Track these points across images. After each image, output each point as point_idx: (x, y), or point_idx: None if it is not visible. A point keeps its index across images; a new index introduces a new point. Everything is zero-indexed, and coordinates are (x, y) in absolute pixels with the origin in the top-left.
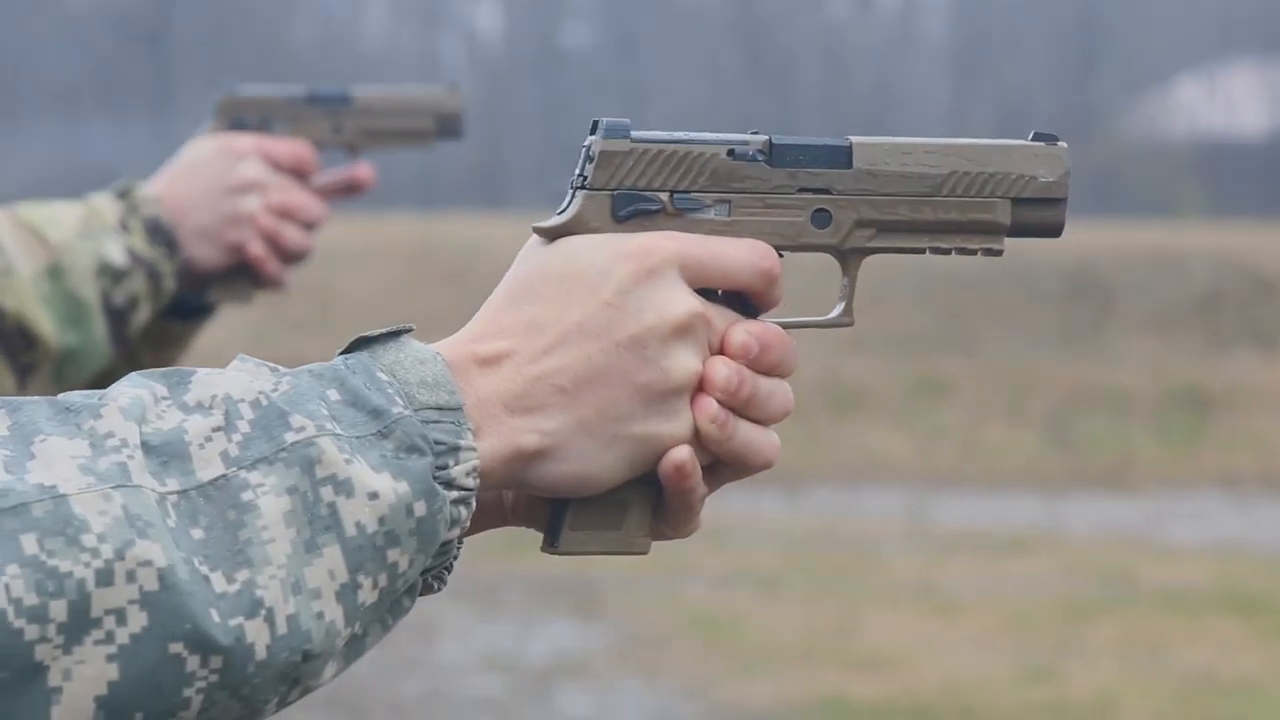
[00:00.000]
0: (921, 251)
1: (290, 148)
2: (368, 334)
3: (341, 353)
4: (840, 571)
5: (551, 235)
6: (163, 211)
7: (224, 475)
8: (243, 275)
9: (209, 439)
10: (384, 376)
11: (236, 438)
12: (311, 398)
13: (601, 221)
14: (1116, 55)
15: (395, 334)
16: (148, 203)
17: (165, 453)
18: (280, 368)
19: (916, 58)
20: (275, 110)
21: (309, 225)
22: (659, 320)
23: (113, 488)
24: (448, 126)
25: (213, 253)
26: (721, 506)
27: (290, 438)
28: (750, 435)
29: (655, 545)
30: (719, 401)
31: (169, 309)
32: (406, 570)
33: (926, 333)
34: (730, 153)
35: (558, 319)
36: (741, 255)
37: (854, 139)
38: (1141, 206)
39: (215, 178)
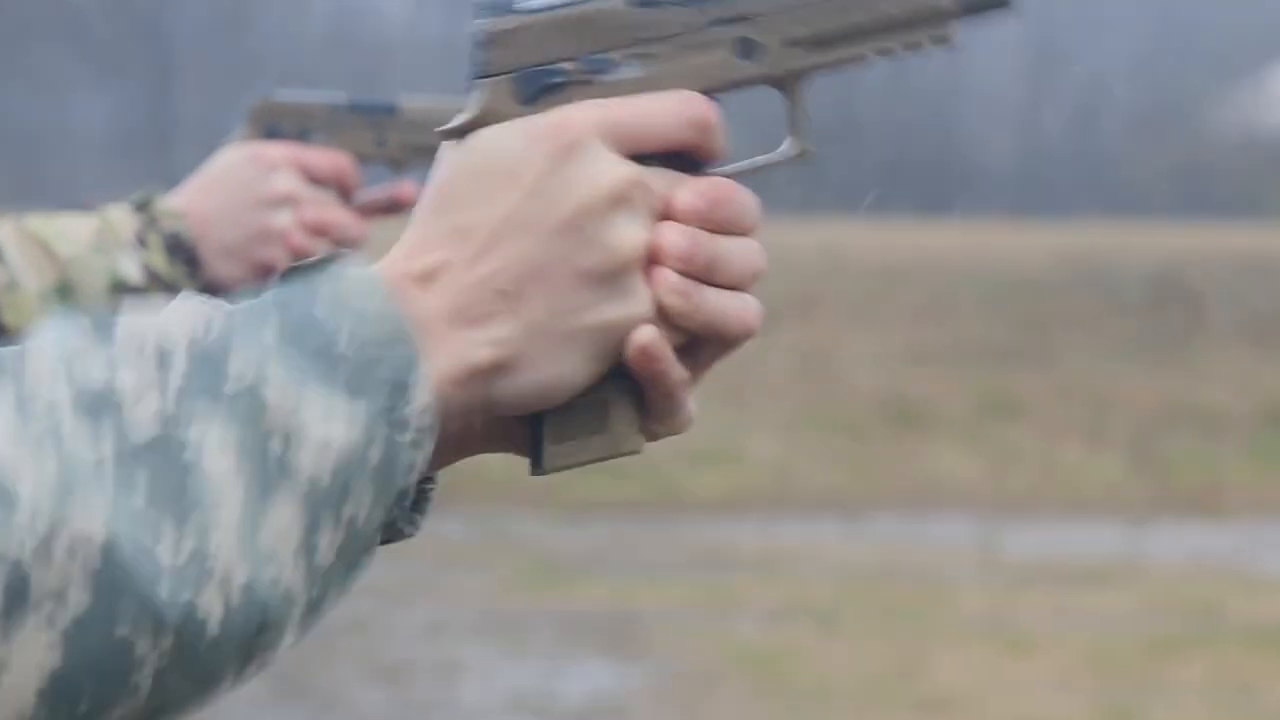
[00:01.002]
0: (864, 59)
1: (328, 160)
2: (300, 264)
3: (275, 286)
4: (903, 605)
5: (460, 134)
6: (184, 226)
7: (161, 434)
8: None
9: (142, 394)
10: (322, 311)
11: (171, 391)
12: (249, 341)
13: (508, 108)
14: (1204, 42)
15: (328, 261)
16: (168, 216)
17: (96, 411)
18: (219, 304)
19: (984, 42)
20: (314, 118)
21: (346, 245)
22: (590, 195)
23: (44, 455)
24: None
25: (239, 272)
26: (773, 534)
27: (230, 387)
28: (720, 303)
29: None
30: (676, 270)
31: None
32: (363, 525)
33: (996, 344)
34: (630, 1)
35: (485, 219)
36: (667, 108)
37: None
38: (1232, 206)
39: (244, 190)
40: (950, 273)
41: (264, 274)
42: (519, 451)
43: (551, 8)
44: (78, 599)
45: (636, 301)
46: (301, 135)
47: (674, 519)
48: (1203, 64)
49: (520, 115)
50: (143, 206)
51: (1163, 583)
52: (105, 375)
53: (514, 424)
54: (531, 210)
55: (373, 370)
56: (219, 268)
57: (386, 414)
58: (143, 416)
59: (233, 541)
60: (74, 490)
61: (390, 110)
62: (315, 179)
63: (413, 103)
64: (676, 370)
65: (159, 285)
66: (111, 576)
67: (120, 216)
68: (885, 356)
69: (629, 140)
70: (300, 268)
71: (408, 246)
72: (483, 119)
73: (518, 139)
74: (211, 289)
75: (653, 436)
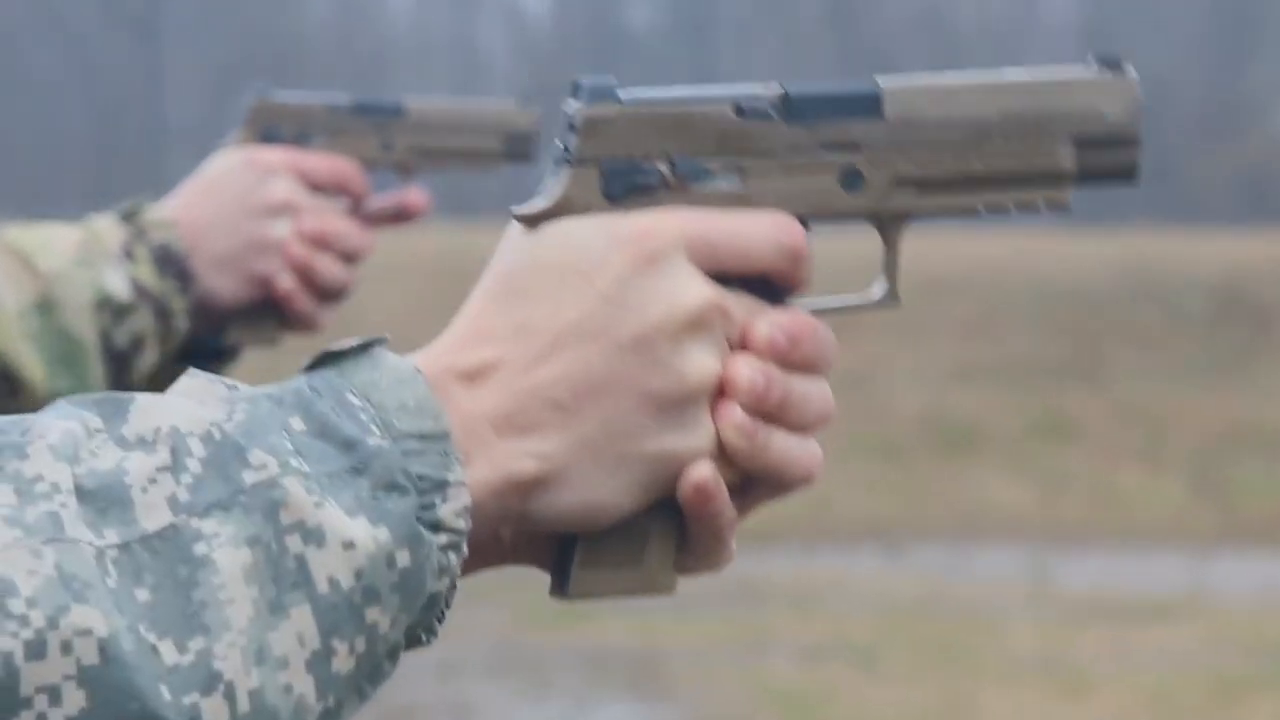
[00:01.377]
0: (975, 212)
1: (330, 165)
2: (334, 348)
3: (305, 371)
4: (948, 642)
5: (535, 221)
6: (175, 237)
7: (172, 524)
8: (269, 313)
9: (153, 481)
10: (356, 400)
11: (186, 479)
12: (272, 428)
13: (592, 200)
14: (1272, 39)
15: (366, 347)
16: (157, 227)
17: (103, 498)
18: (237, 386)
19: (1039, 41)
20: (315, 121)
21: (349, 257)
22: (667, 314)
23: (43, 542)
24: (517, 148)
25: (234, 285)
26: (808, 565)
27: (249, 478)
28: (785, 446)
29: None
30: (744, 408)
31: (182, 352)
32: (388, 631)
33: (1048, 361)
34: (738, 110)
35: (549, 320)
36: (760, 230)
37: (884, 82)
38: None
39: (239, 197)
40: (999, 285)
41: (260, 288)
42: (544, 568)
43: (655, 101)
44: (73, 699)
45: (698, 434)
46: (301, 139)
47: None
48: (1268, 61)
49: (602, 209)
50: (130, 217)
51: (1229, 618)
52: (114, 459)
53: (544, 540)
54: (602, 319)
55: (407, 466)
56: (212, 281)
57: (419, 513)
58: (153, 505)
59: (244, 644)
60: (73, 581)
61: (397, 111)
62: (315, 186)
63: (421, 104)
64: (728, 510)
65: (148, 301)
66: (110, 675)
67: (106, 228)
68: (929, 375)
69: (715, 259)
70: (335, 352)
71: (458, 336)
72: (562, 207)
73: (598, 238)
74: (204, 304)
75: (688, 573)
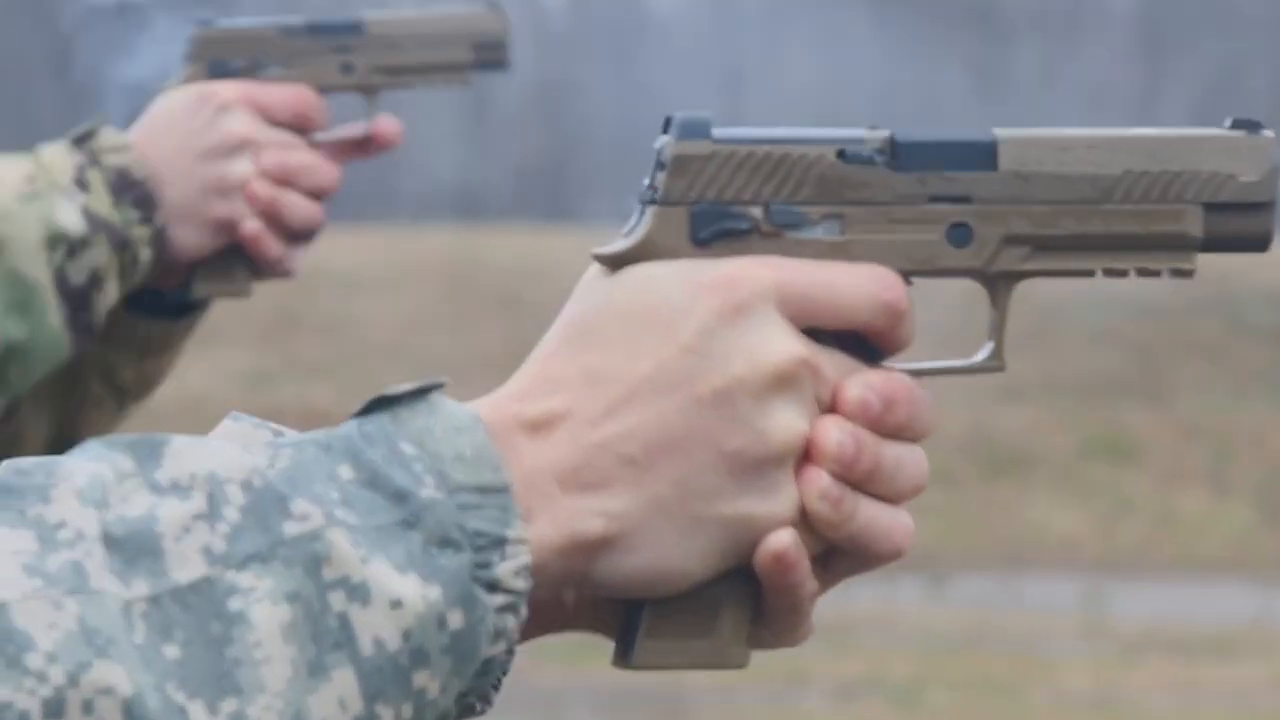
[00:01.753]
0: (1090, 274)
1: (287, 95)
2: (389, 392)
3: (356, 416)
4: (996, 680)
5: (616, 263)
6: (133, 160)
7: (206, 577)
8: (237, 260)
9: (187, 530)
10: (410, 449)
11: (222, 528)
12: (318, 477)
13: (678, 244)
14: None
15: (423, 392)
16: (113, 150)
17: (131, 547)
18: (283, 431)
19: (1096, 26)
20: (267, 47)
21: (317, 193)
22: (752, 369)
23: (65, 593)
24: (490, 55)
25: (196, 234)
26: (844, 598)
27: (291, 529)
28: (873, 515)
29: (758, 653)
30: (831, 474)
31: (149, 307)
32: (437, 697)
33: (1104, 377)
34: (841, 154)
35: (624, 370)
36: (858, 284)
37: (999, 132)
38: None
39: (192, 138)
40: (1051, 293)
41: (224, 234)
42: (608, 635)
43: (751, 141)
44: None
45: (780, 499)
46: (253, 68)
47: None
48: None
49: (688, 254)
50: (82, 141)
51: None
52: (146, 505)
53: (608, 605)
54: (681, 370)
55: (462, 520)
56: (171, 231)
57: (474, 573)
58: (186, 555)
59: (280, 707)
60: (97, 636)
61: (356, 29)
62: (274, 118)
63: (381, 18)
64: (809, 582)
65: (105, 232)
66: None
67: (56, 157)
68: (975, 391)
69: (808, 313)
70: (390, 397)
71: (525, 383)
72: (644, 250)
73: (681, 284)
74: (164, 256)
75: (762, 646)
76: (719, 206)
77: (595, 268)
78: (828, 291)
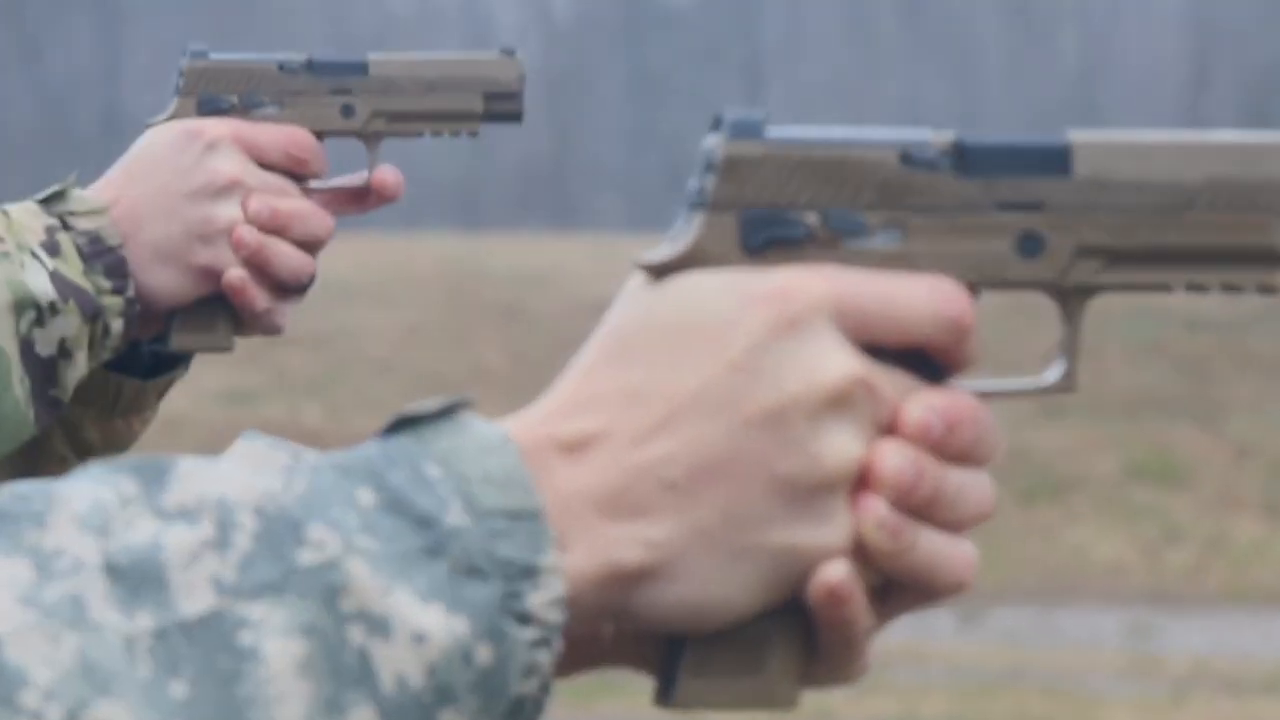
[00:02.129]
0: (1167, 289)
1: (281, 136)
2: (413, 410)
3: (378, 437)
4: (1036, 718)
5: (660, 272)
6: (106, 225)
7: (215, 609)
8: (219, 311)
9: (195, 558)
10: (435, 471)
11: (233, 557)
12: (336, 501)
13: (727, 252)
14: None
15: (449, 410)
16: (86, 214)
17: (135, 577)
18: (300, 452)
19: (1140, 19)
20: (263, 84)
21: (309, 244)
22: (805, 388)
23: (63, 626)
24: (502, 106)
25: (176, 280)
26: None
27: (306, 558)
28: (934, 546)
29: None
30: (889, 501)
31: (120, 362)
32: None
33: (1150, 394)
34: (904, 157)
35: (667, 387)
36: (921, 298)
37: (1074, 136)
38: None
39: (178, 177)
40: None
41: (206, 282)
42: (647, 670)
43: (808, 143)
44: None
45: (833, 528)
46: (248, 105)
47: None
48: None
49: (739, 263)
50: (53, 203)
51: None
52: (151, 533)
53: (649, 640)
54: (729, 389)
55: (492, 547)
56: (150, 275)
57: (504, 604)
58: (193, 586)
59: None
60: (97, 672)
61: (359, 70)
62: (266, 160)
63: (386, 60)
64: (865, 617)
65: (77, 301)
66: None
67: (25, 217)
68: (1012, 409)
69: (866, 328)
70: (413, 416)
71: (560, 401)
72: (692, 258)
73: (730, 295)
74: (143, 302)
75: (814, 685)
76: (772, 212)
77: (638, 277)
78: (887, 305)
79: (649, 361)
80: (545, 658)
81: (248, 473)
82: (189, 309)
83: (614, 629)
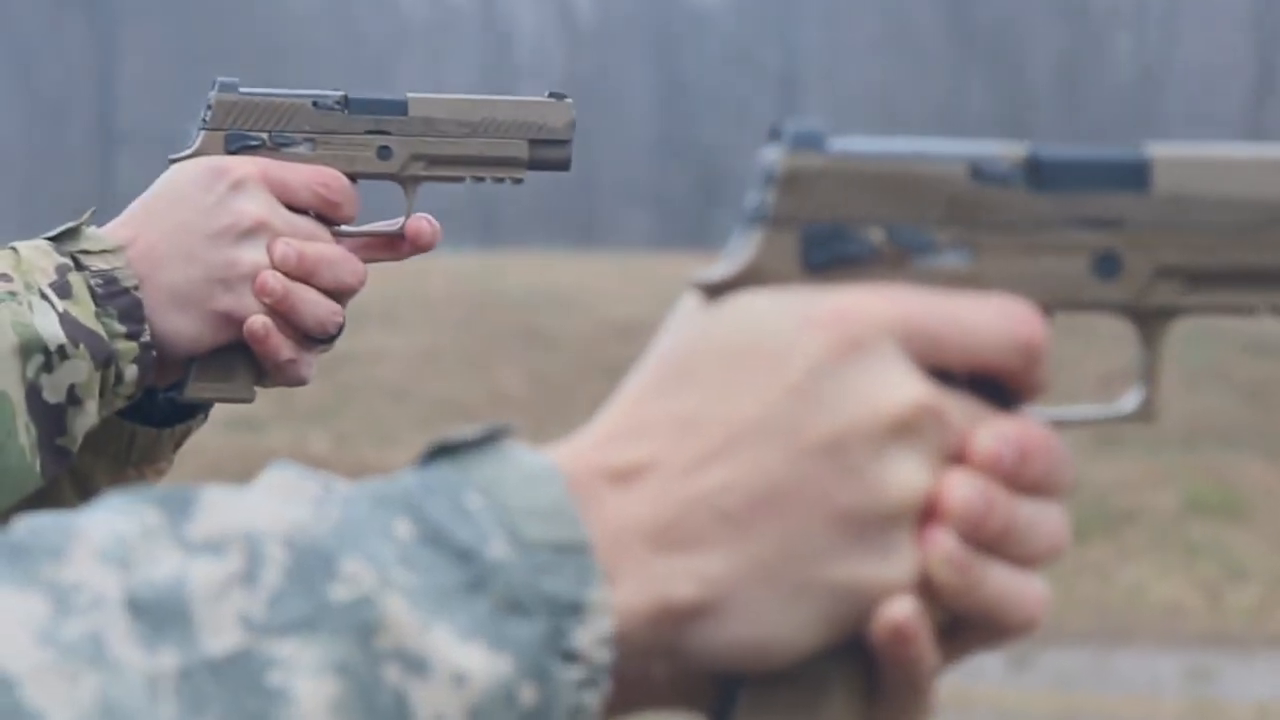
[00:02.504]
0: (1251, 311)
1: (313, 177)
2: (452, 438)
3: (416, 466)
4: None
5: (717, 291)
6: (122, 266)
7: (244, 647)
8: (239, 359)
9: (222, 593)
10: (476, 501)
11: (262, 592)
12: (371, 533)
13: (788, 270)
14: None
15: (491, 438)
16: (100, 254)
17: (159, 613)
18: (332, 482)
19: (1200, 20)
20: (295, 121)
21: (337, 292)
22: (869, 414)
23: (83, 665)
24: (549, 154)
25: (195, 325)
26: None
27: (339, 593)
28: (1004, 582)
29: None
30: (958, 534)
31: (134, 410)
32: None
33: (1211, 423)
34: (975, 172)
35: (722, 414)
36: (991, 320)
37: (1154, 149)
38: None
39: (200, 215)
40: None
41: (228, 328)
42: (701, 711)
43: (873, 156)
44: None
45: (898, 563)
46: (278, 143)
47: None
48: None
49: (800, 283)
50: (65, 241)
51: None
52: (175, 567)
53: (703, 681)
54: (788, 415)
55: (537, 582)
56: (167, 319)
57: (549, 642)
58: (221, 624)
59: None
60: (118, 713)
61: (398, 109)
62: (295, 202)
63: (427, 99)
64: (931, 657)
65: (89, 346)
66: None
67: (34, 255)
68: (1066, 436)
69: (933, 351)
70: (451, 445)
71: (610, 427)
72: (750, 276)
73: (790, 316)
74: (160, 348)
75: None
76: (835, 228)
77: (693, 297)
78: (956, 328)
79: (703, 387)
80: (593, 699)
81: (277, 503)
82: (208, 356)
83: (666, 668)
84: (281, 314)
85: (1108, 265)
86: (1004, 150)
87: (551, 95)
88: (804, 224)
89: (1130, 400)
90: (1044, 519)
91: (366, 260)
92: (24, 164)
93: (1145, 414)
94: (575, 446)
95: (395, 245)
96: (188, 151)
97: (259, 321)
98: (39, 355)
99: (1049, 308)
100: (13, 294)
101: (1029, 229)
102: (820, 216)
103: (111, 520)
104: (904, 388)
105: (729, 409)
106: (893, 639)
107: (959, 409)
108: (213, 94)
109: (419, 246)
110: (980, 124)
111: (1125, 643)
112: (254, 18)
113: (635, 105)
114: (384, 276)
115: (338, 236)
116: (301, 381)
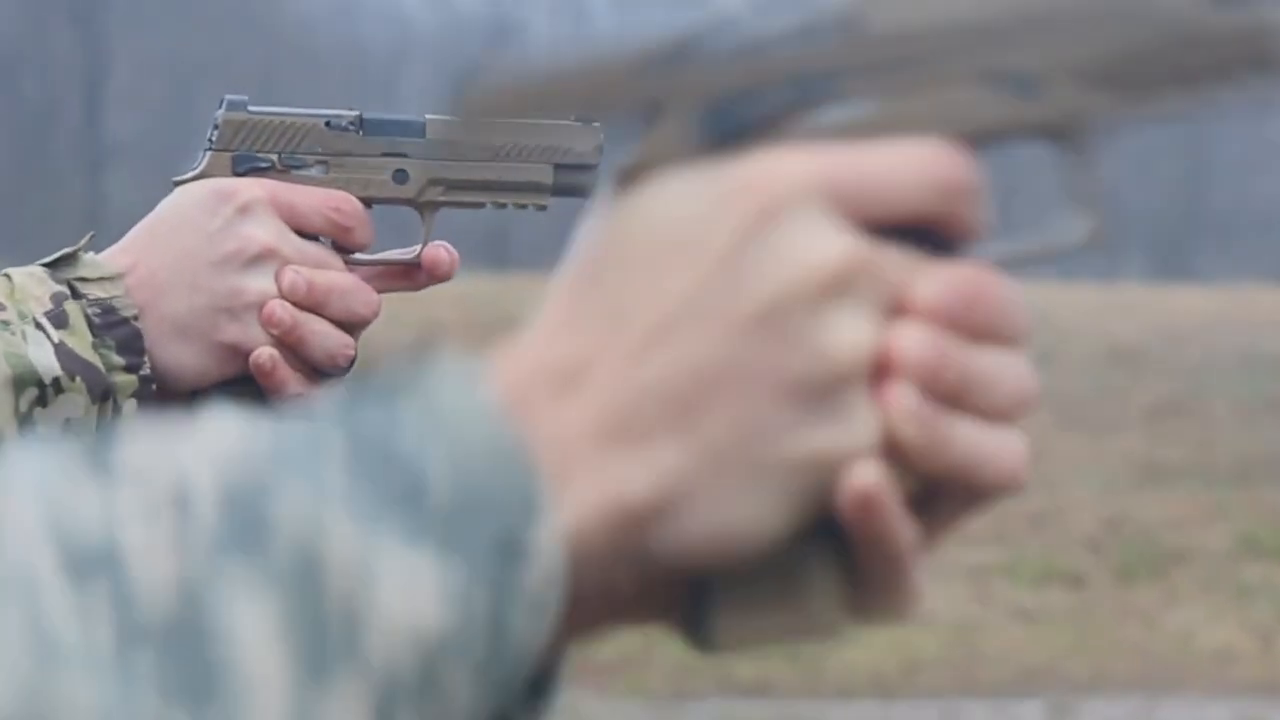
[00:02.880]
0: (1175, 110)
1: (325, 201)
2: (377, 369)
3: (344, 394)
4: None
5: (626, 179)
6: (121, 295)
7: (179, 606)
8: (245, 393)
9: (154, 552)
10: (409, 439)
11: (195, 547)
12: (304, 478)
13: (688, 150)
14: None
15: (418, 364)
16: (99, 280)
17: (89, 576)
18: (259, 422)
19: None
20: (307, 142)
21: (349, 323)
22: (798, 276)
23: (12, 636)
24: (574, 179)
25: (197, 358)
26: None
27: (275, 542)
28: (973, 438)
29: None
30: (916, 389)
31: None
32: (467, 702)
33: (1266, 457)
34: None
35: (652, 300)
36: (908, 165)
37: None
38: None
39: (205, 242)
40: (1201, 355)
41: (233, 360)
42: (679, 625)
43: (767, 12)
44: None
45: (857, 426)
46: (288, 165)
47: (814, 703)
48: None
49: (705, 160)
50: (62, 268)
51: None
52: (102, 525)
53: (674, 587)
54: (719, 291)
55: (477, 521)
56: (169, 351)
57: (493, 581)
58: (154, 582)
59: None
60: (55, 683)
61: (415, 131)
62: (306, 228)
63: (448, 122)
64: (905, 528)
65: (85, 379)
66: None
67: (29, 283)
68: (1108, 474)
69: (855, 207)
70: (378, 375)
71: (542, 333)
72: (653, 161)
73: (704, 195)
74: (159, 382)
75: (864, 616)
76: (732, 97)
77: (608, 191)
78: (873, 178)
79: (630, 276)
80: (551, 597)
81: (202, 450)
82: (212, 391)
83: (632, 580)
84: (290, 346)
85: (1019, 81)
86: None
87: (578, 118)
88: (701, 99)
89: (1071, 228)
90: (1004, 367)
91: (381, 290)
92: (7, 179)
93: (1090, 242)
94: (512, 355)
95: (411, 274)
96: (192, 173)
97: (266, 354)
98: (33, 388)
99: (968, 140)
100: (5, 323)
101: (928, 62)
102: (715, 89)
103: (31, 478)
104: (831, 243)
105: (657, 295)
106: (860, 508)
107: (894, 261)
108: (220, 112)
109: (436, 276)
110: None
111: (1173, 691)
112: (251, 28)
113: None
114: (388, 300)
115: (350, 264)
116: None
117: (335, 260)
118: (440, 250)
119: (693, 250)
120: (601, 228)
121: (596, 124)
